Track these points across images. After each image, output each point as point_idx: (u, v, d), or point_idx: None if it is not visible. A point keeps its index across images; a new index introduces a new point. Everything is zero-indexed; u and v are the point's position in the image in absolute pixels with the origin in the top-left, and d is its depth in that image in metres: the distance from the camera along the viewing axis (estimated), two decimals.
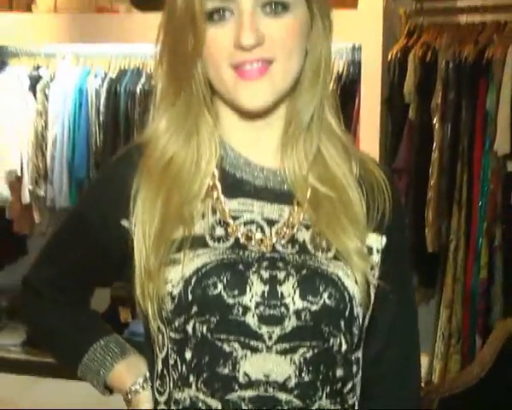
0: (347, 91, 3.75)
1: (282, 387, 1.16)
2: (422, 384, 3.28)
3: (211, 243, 1.20)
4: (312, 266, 1.19)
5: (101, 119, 4.11)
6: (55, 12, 4.10)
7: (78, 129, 4.15)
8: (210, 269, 1.17)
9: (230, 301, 1.16)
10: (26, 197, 4.18)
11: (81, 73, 4.17)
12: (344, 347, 1.19)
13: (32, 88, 4.18)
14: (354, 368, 1.23)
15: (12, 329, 4.42)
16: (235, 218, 1.22)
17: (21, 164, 4.18)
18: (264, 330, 1.16)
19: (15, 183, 4.16)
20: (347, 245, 1.20)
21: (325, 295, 1.17)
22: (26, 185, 4.18)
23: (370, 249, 1.24)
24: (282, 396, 1.16)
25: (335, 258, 1.20)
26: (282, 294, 1.16)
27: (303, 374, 1.17)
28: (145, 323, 1.25)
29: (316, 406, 1.18)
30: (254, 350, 1.16)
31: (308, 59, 1.24)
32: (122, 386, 1.34)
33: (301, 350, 1.17)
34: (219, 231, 1.21)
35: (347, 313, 1.17)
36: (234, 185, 1.25)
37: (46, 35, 4.14)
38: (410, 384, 1.33)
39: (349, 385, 1.22)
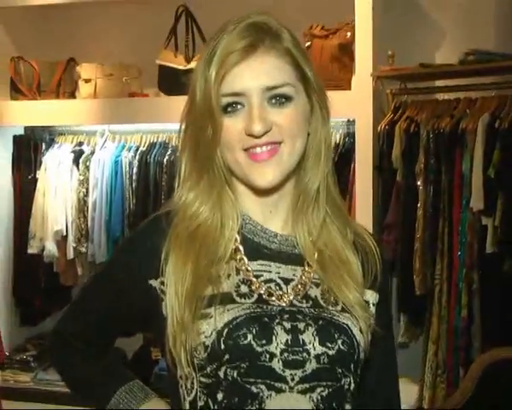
0: (344, 159, 4.08)
1: None
2: None
3: (237, 298, 1.28)
4: (327, 318, 1.29)
5: (133, 185, 4.44)
6: (95, 97, 4.45)
7: (114, 194, 4.45)
8: (240, 322, 1.24)
9: (259, 349, 1.24)
10: (70, 253, 4.49)
11: (117, 148, 4.54)
12: (352, 385, 1.29)
13: (76, 161, 4.54)
14: (356, 403, 1.32)
15: None
16: (256, 277, 1.32)
17: (66, 225, 4.51)
18: (287, 373, 1.24)
19: (61, 241, 4.51)
20: (351, 298, 1.31)
21: (339, 342, 1.27)
22: (71, 243, 4.50)
23: (367, 303, 1.36)
24: None
25: (343, 310, 1.31)
26: (303, 341, 1.25)
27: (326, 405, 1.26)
28: (173, 371, 1.31)
29: None
30: (278, 391, 1.24)
31: (310, 140, 1.35)
32: None
33: (319, 389, 1.25)
34: (244, 289, 1.30)
35: (356, 356, 1.28)
36: (254, 249, 1.35)
37: (87, 117, 4.49)
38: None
39: None
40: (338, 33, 4.09)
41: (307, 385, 1.25)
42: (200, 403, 1.27)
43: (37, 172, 4.64)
